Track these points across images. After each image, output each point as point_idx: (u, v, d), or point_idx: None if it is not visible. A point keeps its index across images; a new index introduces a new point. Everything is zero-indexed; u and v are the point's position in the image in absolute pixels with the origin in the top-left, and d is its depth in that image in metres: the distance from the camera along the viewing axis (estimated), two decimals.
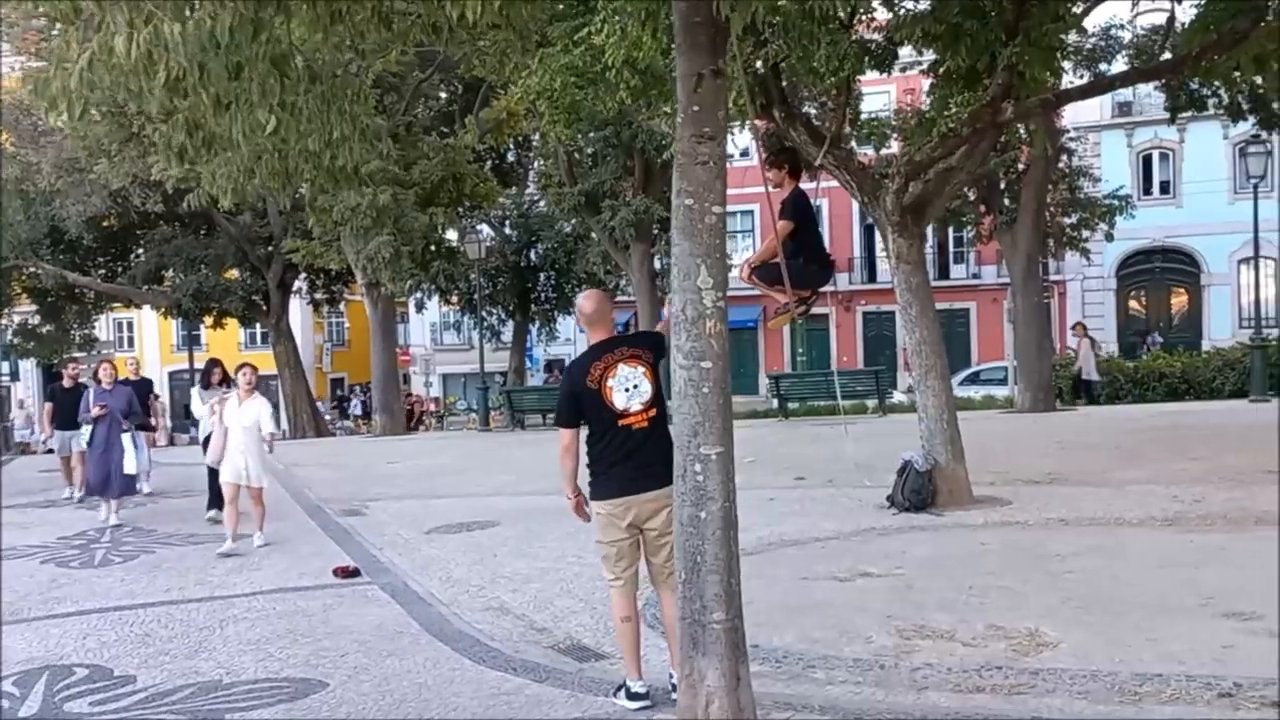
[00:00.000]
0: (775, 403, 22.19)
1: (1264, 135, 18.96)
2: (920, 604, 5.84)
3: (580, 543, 8.22)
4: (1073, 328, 23.46)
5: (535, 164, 26.02)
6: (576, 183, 22.44)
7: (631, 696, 4.50)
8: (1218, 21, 8.63)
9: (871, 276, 35.30)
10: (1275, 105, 16.33)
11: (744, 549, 7.40)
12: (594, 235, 23.78)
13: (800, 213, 6.46)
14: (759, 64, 8.91)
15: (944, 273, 35.66)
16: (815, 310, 7.08)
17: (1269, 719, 3.95)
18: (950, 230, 29.38)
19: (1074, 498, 9.08)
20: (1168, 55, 14.13)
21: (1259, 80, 13.29)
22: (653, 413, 4.45)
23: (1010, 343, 23.00)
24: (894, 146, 17.15)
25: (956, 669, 4.73)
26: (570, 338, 36.78)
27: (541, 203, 26.66)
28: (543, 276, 28.67)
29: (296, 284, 29.26)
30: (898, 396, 22.69)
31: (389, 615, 6.52)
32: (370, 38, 5.59)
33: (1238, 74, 9.89)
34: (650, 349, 4.55)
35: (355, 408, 38.54)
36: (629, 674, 4.56)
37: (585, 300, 4.84)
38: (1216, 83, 13.51)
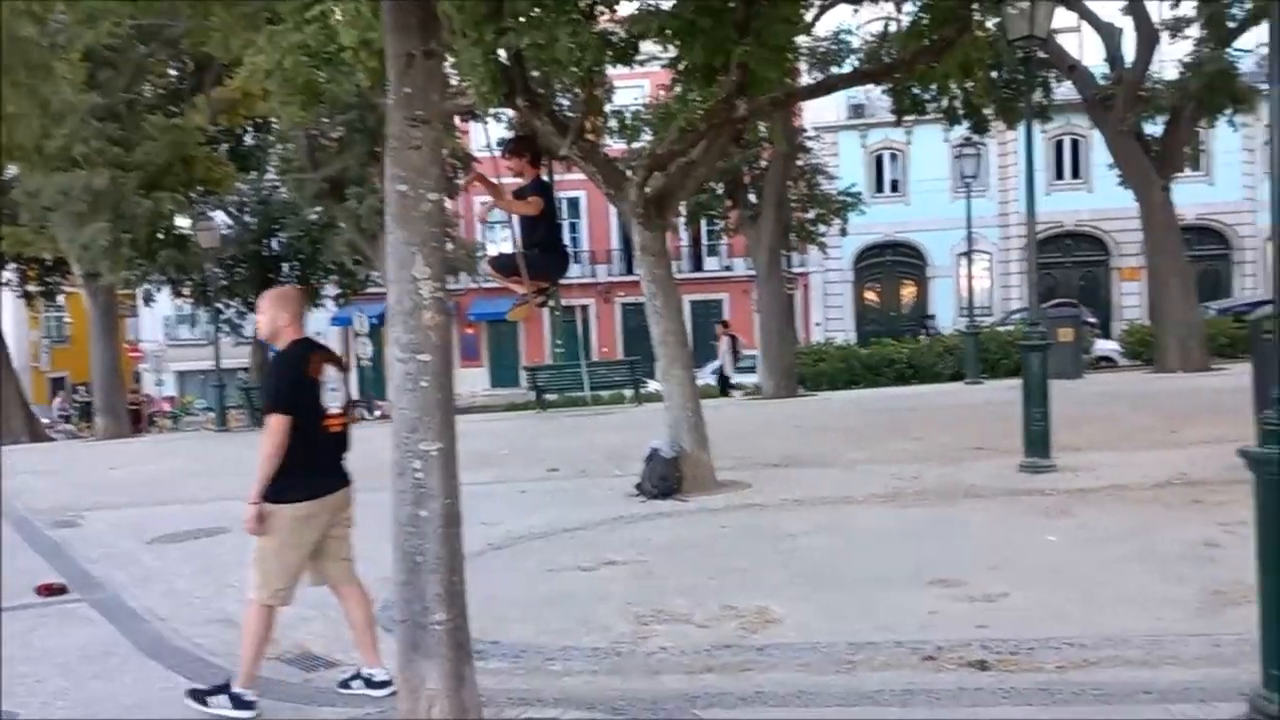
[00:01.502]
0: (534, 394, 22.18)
1: (976, 139, 20.66)
2: (660, 589, 5.94)
3: None
4: (718, 325, 24.81)
5: (276, 148, 24.75)
6: (319, 168, 21.54)
7: (241, 705, 4.37)
8: (928, 30, 9.28)
9: (630, 269, 36.00)
10: (984, 111, 17.85)
11: (491, 543, 7.42)
12: (340, 224, 22.91)
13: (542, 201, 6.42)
14: (501, 52, 8.80)
15: (698, 265, 36.89)
16: (575, 302, 7.08)
17: (967, 677, 4.24)
18: (704, 224, 30.35)
19: (808, 479, 9.54)
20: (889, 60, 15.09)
21: (969, 86, 14.44)
22: (345, 418, 4.48)
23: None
24: (647, 140, 17.50)
25: (689, 651, 4.83)
26: (321, 330, 35.36)
27: (283, 189, 25.36)
28: (286, 267, 27.33)
29: (5, 275, 26.58)
30: (654, 386, 23.23)
31: (99, 635, 5.98)
32: (80, 6, 5.10)
33: (949, 79, 10.65)
34: (339, 356, 4.64)
35: (61, 408, 35.18)
36: (244, 683, 4.39)
37: (286, 297, 4.61)
38: (933, 87, 14.56)
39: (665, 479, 9.06)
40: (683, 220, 25.77)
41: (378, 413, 25.15)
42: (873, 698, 4.10)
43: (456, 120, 11.77)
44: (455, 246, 26.32)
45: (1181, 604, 4.95)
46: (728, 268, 36.61)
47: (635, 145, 16.19)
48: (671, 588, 5.94)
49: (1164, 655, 4.25)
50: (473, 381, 35.48)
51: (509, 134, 10.02)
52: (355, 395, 26.52)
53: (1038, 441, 9.07)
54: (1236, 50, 18.76)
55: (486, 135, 7.81)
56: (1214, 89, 18.43)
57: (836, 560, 6.45)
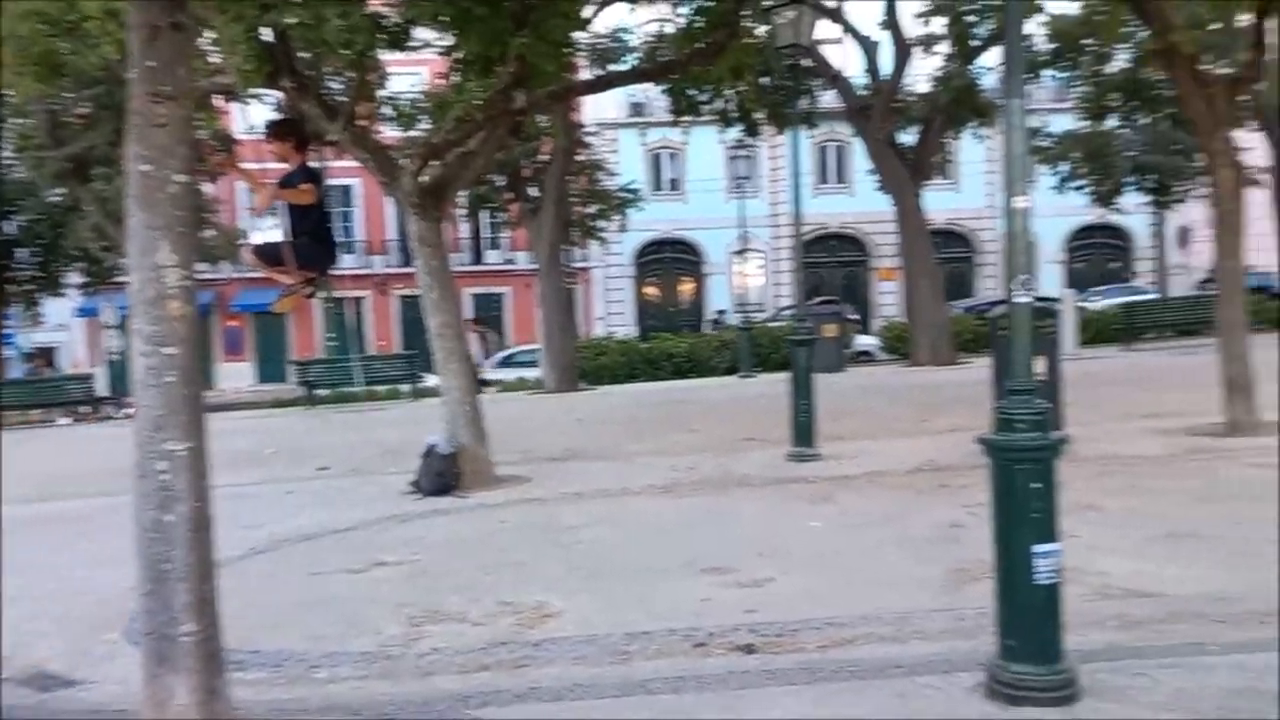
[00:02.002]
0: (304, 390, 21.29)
1: (748, 141, 21.41)
2: (434, 588, 5.80)
3: (69, 555, 7.24)
4: (467, 320, 24.95)
5: (12, 123, 22.51)
6: (62, 146, 19.78)
7: None
8: (701, 33, 9.51)
9: (408, 260, 35.08)
10: (756, 115, 18.52)
11: (254, 548, 7.04)
12: (85, 207, 21.13)
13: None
14: (266, 30, 8.36)
15: (478, 258, 36.45)
16: (350, 294, 6.81)
17: (735, 661, 4.36)
18: (486, 216, 30.01)
19: (588, 472, 9.61)
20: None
21: (741, 90, 14.95)
22: None
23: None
24: (424, 129, 17.10)
25: (464, 650, 4.73)
26: (64, 323, 32.59)
27: (20, 168, 23.11)
28: (28, 252, 24.96)
29: None
30: (432, 381, 22.78)
31: None
32: None
33: (722, 82, 10.99)
34: None
35: None
36: None
37: None
38: (708, 89, 14.98)
39: (442, 475, 8.89)
40: (462, 212, 25.40)
41: (126, 411, 23.41)
42: (645, 687, 4.15)
43: (217, 100, 11.08)
44: (216, 233, 24.84)
45: (929, 582, 5.28)
46: (509, 261, 36.37)
47: (411, 133, 15.79)
48: (446, 586, 5.82)
49: (912, 631, 4.52)
50: (237, 377, 33.68)
51: (276, 116, 9.52)
52: (104, 393, 24.60)
53: (804, 432, 9.50)
54: (980, 67, 20.31)
55: (248, 117, 7.40)
56: (960, 103, 19.90)
57: (615, 552, 6.51)
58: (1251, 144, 18.92)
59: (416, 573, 6.26)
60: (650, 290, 38.39)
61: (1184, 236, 34.05)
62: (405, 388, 21.06)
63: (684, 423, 13.06)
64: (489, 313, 35.69)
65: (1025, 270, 3.75)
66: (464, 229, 33.78)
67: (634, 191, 25.53)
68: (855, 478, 8.43)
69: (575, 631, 4.89)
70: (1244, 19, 10.00)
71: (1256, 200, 21.04)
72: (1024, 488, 3.51)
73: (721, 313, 35.36)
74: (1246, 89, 10.59)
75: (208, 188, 20.71)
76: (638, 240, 35.78)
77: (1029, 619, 3.52)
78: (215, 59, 9.03)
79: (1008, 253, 3.81)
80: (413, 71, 22.30)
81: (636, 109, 35.52)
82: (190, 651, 3.27)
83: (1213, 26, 11.42)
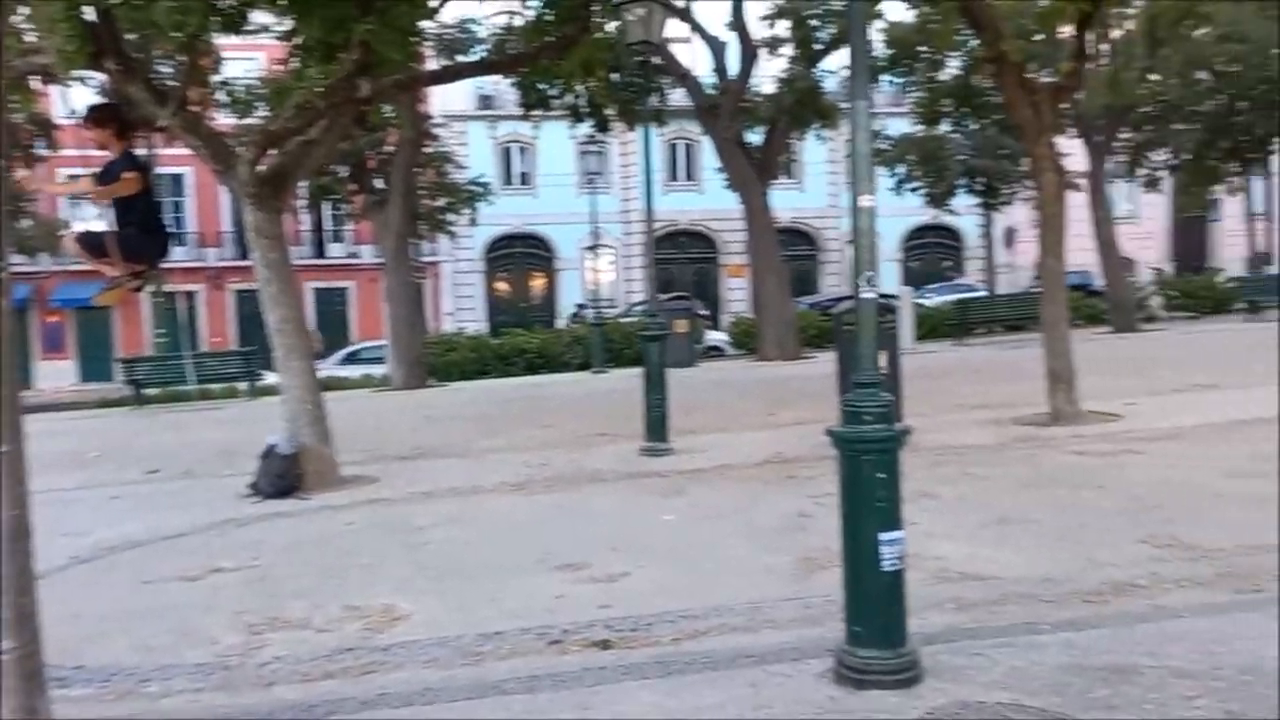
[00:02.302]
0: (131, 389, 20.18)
1: (599, 137, 21.46)
2: (276, 594, 5.57)
3: None
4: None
5: None
6: None
7: None
8: (551, 26, 9.45)
9: (244, 253, 33.72)
10: (606, 111, 18.56)
11: (77, 556, 6.61)
12: None
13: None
14: (89, 9, 7.85)
15: (320, 251, 35.35)
16: (182, 288, 6.46)
17: (590, 658, 4.34)
18: (329, 208, 29.11)
19: (438, 470, 9.42)
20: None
21: (591, 85, 14.94)
22: None
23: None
24: (261, 116, 16.44)
25: (308, 657, 4.55)
26: None
27: None
28: None
29: None
30: (272, 378, 21.96)
31: None
32: None
33: (572, 77, 10.96)
34: None
35: None
36: None
37: None
38: (558, 84, 14.91)
39: (283, 476, 8.55)
40: (303, 203, 24.58)
41: None
42: (500, 687, 4.08)
43: (35, 81, 10.32)
44: (33, 223, 23.29)
45: (779, 572, 5.39)
46: (353, 255, 35.42)
47: (247, 120, 15.16)
48: (289, 592, 5.60)
49: (763, 620, 4.60)
50: (58, 376, 31.68)
51: (96, 101, 8.95)
52: None
53: (657, 426, 9.56)
54: (823, 70, 20.92)
55: (69, 100, 6.94)
56: (804, 104, 20.45)
57: (466, 551, 6.39)
58: (1071, 150, 20.15)
59: (256, 578, 5.99)
60: (501, 285, 38.07)
61: (1010, 237, 35.97)
62: (243, 386, 20.24)
63: (537, 419, 12.98)
64: (333, 308, 34.71)
65: (871, 267, 3.85)
66: (305, 221, 32.70)
67: (484, 185, 25.25)
68: (707, 471, 8.54)
69: (425, 634, 4.77)
70: (1066, 31, 10.59)
71: (1075, 203, 22.46)
72: (870, 478, 3.60)
73: (582, 306, 35.41)
74: (1068, 97, 11.23)
75: (23, 173, 19.40)
76: (488, 235, 35.43)
77: (875, 605, 3.62)
78: (32, 37, 8.43)
79: (854, 250, 3.90)
80: (249, 56, 21.46)
81: (485, 101, 35.13)
82: (9, 670, 3.02)
83: (1037, 37, 12.06)
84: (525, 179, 37.17)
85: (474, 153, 33.08)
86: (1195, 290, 27.55)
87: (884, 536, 3.58)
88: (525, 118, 19.22)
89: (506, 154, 36.92)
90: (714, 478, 8.26)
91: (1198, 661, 3.67)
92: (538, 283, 38.41)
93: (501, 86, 29.04)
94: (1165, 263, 36.94)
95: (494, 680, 4.16)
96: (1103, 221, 22.14)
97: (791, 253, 31.58)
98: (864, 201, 3.87)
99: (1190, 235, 39.50)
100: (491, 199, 26.42)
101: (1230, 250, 36.93)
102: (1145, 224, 37.81)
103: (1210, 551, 5.19)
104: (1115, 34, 15.67)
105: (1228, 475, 6.92)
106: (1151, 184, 28.78)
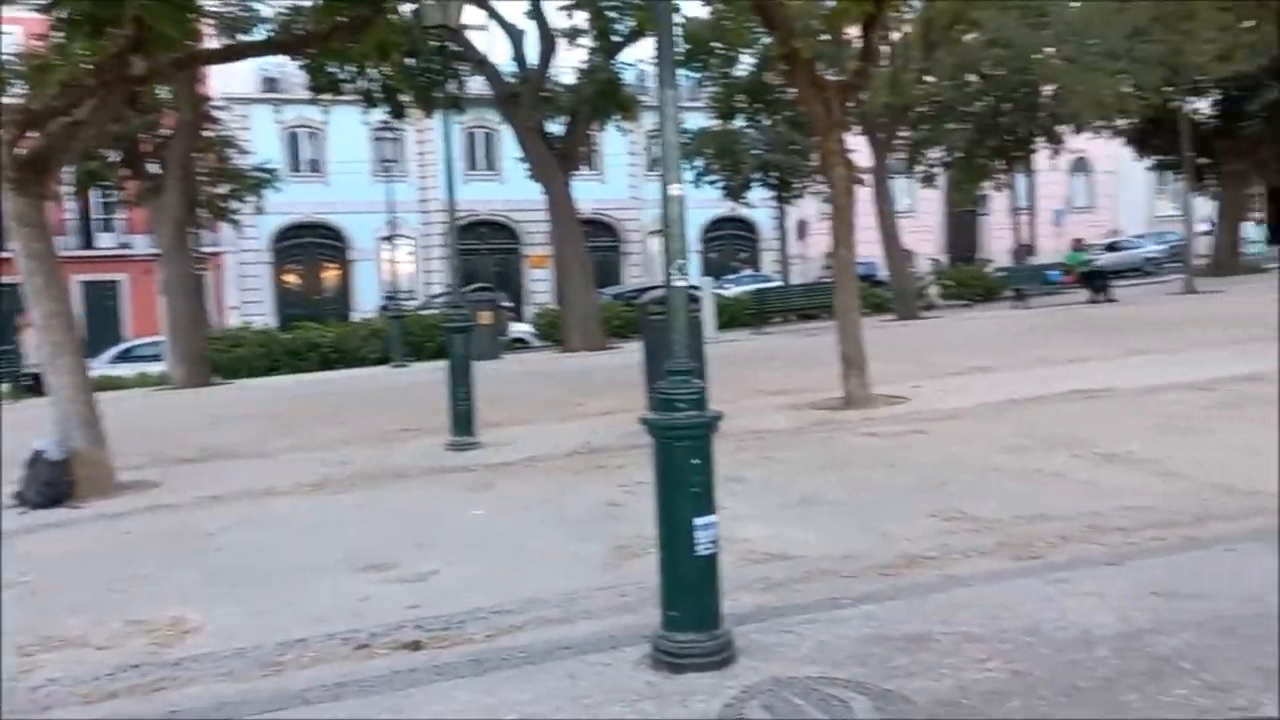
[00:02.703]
0: None
1: (394, 123, 20.87)
2: (49, 611, 5.11)
3: None
4: (18, 316, 23.13)
5: None
6: None
7: None
8: (343, 6, 9.08)
9: (3, 242, 30.93)
10: (402, 96, 18.06)
11: None
12: None
13: None
14: None
15: (88, 241, 32.84)
16: None
17: (400, 660, 4.19)
18: (98, 196, 27.04)
19: (227, 472, 8.92)
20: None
21: (386, 70, 14.50)
22: None
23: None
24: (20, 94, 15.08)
25: (87, 678, 4.19)
26: None
27: None
28: None
29: None
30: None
31: None
32: None
33: (366, 60, 10.58)
34: None
35: None
36: None
37: None
38: (351, 67, 14.39)
39: (53, 485, 7.88)
40: (69, 189, 22.74)
41: None
42: (303, 697, 3.87)
43: None
44: None
45: (592, 562, 5.38)
46: (125, 245, 33.07)
47: (3, 99, 13.86)
48: (63, 608, 5.15)
49: (578, 611, 4.57)
50: None
51: None
52: None
53: (463, 420, 9.38)
54: (623, 63, 21.10)
55: None
56: (604, 95, 20.57)
57: (261, 556, 6.06)
58: (856, 147, 21.15)
59: (26, 595, 5.48)
60: (291, 277, 36.48)
61: (802, 229, 37.49)
62: (5, 387, 18.57)
63: (334, 416, 12.50)
64: (103, 303, 32.33)
65: (682, 255, 3.88)
66: (71, 208, 30.29)
67: (270, 171, 24.14)
68: (515, 463, 8.45)
69: (219, 646, 4.48)
70: (852, 31, 11.08)
71: (861, 197, 23.62)
72: (684, 464, 3.63)
73: (391, 298, 34.42)
74: (856, 95, 11.76)
75: None
76: (276, 224, 33.91)
77: (691, 589, 3.65)
78: None
79: (665, 239, 3.91)
80: (4, 30, 19.66)
81: (270, 84, 33.55)
82: None
83: (824, 37, 12.56)
84: (315, 166, 35.76)
85: (258, 137, 31.54)
86: (968, 280, 29.54)
87: (698, 521, 3.61)
88: (314, 102, 18.46)
89: (294, 139, 35.41)
90: (523, 470, 8.17)
91: (985, 626, 3.90)
92: (331, 274, 37.05)
93: (288, 68, 27.76)
94: (941, 254, 39.41)
95: (296, 690, 3.95)
96: (886, 215, 23.37)
97: (594, 244, 31.75)
98: (674, 190, 3.89)
99: (962, 228, 42.34)
100: (279, 186, 25.27)
101: (998, 242, 39.82)
102: (923, 218, 40.23)
103: (991, 523, 5.53)
104: (895, 36, 16.54)
105: (1003, 451, 7.42)
106: (928, 180, 30.69)
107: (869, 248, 27.11)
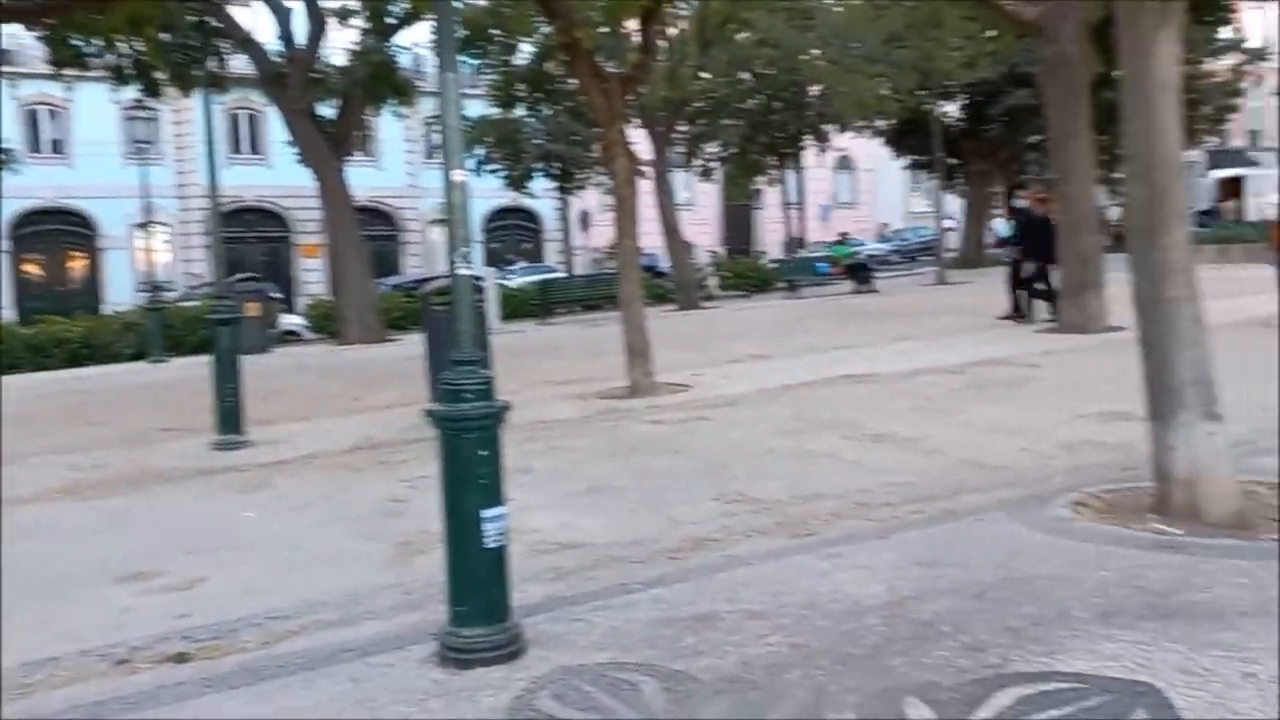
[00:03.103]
0: None
1: (148, 102, 19.49)
2: None
3: None
4: None
5: None
6: None
7: None
8: None
9: None
10: (157, 74, 16.89)
11: None
12: None
13: None
14: None
15: None
16: None
17: (166, 674, 3.91)
18: None
19: None
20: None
21: (139, 45, 13.51)
22: None
23: None
24: None
25: None
26: None
27: None
28: None
29: None
30: None
31: None
32: None
33: (115, 34, 9.81)
34: None
35: None
36: None
37: None
38: (98, 41, 13.32)
39: None
40: None
41: None
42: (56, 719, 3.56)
43: None
44: None
45: (375, 559, 5.21)
46: None
47: None
48: None
49: (361, 611, 4.41)
50: None
51: None
52: None
53: (230, 418, 8.88)
54: (399, 46, 20.54)
55: None
56: (378, 79, 19.94)
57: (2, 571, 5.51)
58: (636, 140, 21.49)
59: None
60: (32, 267, 33.45)
61: (585, 220, 37.77)
62: None
63: (85, 416, 11.57)
64: None
65: (466, 243, 3.80)
66: None
67: (5, 152, 21.99)
68: (291, 461, 8.08)
69: None
70: (631, 24, 11.22)
71: (642, 189, 24.05)
72: (471, 455, 3.56)
73: (149, 288, 32.07)
74: (636, 87, 11.93)
75: None
76: (14, 209, 30.98)
77: (479, 583, 3.59)
78: None
79: (449, 226, 3.81)
80: None
81: (4, 56, 30.55)
82: None
83: (604, 29, 12.67)
84: (58, 147, 32.95)
85: None
86: (744, 271, 30.65)
87: (486, 514, 3.56)
88: (56, 77, 16.97)
89: (34, 117, 32.48)
90: (300, 468, 7.83)
91: (767, 602, 4.04)
92: (78, 264, 34.24)
93: (25, 40, 25.38)
94: (719, 246, 40.70)
95: (48, 713, 3.62)
96: (666, 207, 23.89)
97: (371, 232, 30.79)
98: (457, 176, 3.80)
99: (738, 221, 43.91)
100: (16, 168, 23.09)
101: (771, 235, 41.55)
102: (701, 211, 41.43)
103: (770, 504, 5.76)
104: (672, 32, 16.91)
105: (780, 434, 7.74)
106: (706, 174, 31.61)
107: (651, 239, 27.67)
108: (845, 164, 45.32)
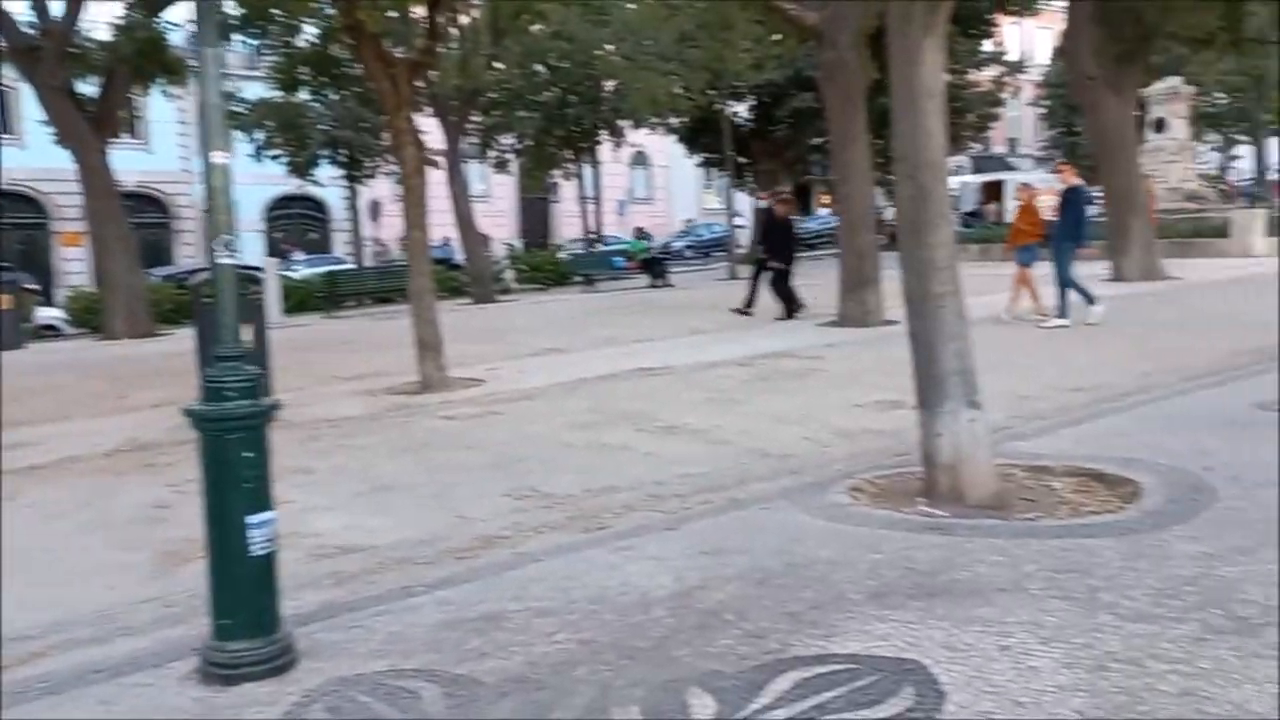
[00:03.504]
0: None
1: None
2: None
3: None
4: None
5: None
6: None
7: None
8: None
9: None
10: None
11: None
12: None
13: None
14: None
15: None
16: None
17: None
18: None
19: None
20: None
21: None
22: None
23: None
24: None
25: None
26: None
27: None
28: None
29: None
30: None
31: None
32: None
33: None
34: None
35: None
36: None
37: None
38: None
39: None
40: None
41: None
42: None
43: None
44: None
45: (134, 571, 4.83)
46: None
47: None
48: None
49: (116, 628, 4.06)
50: None
51: None
52: None
53: None
54: (169, 22, 19.24)
55: None
56: (145, 55, 18.61)
57: None
58: (429, 129, 21.02)
59: None
60: None
61: (375, 210, 36.65)
62: None
63: None
64: None
65: (228, 230, 3.55)
66: None
67: None
68: (45, 466, 7.41)
69: None
70: (419, 9, 10.91)
71: (435, 180, 23.51)
72: (236, 458, 3.33)
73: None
74: (424, 73, 11.61)
75: None
76: None
77: (245, 593, 3.37)
78: None
79: (210, 213, 3.55)
80: None
81: None
82: None
83: (392, 13, 12.25)
84: None
85: None
86: (541, 264, 30.55)
87: (253, 519, 3.33)
88: None
89: None
90: (55, 474, 7.19)
91: (555, 599, 3.99)
92: None
93: None
94: (516, 239, 40.44)
95: None
96: (460, 198, 23.48)
97: (140, 219, 28.84)
98: (217, 158, 3.55)
99: (535, 214, 43.75)
100: None
101: (568, 229, 41.61)
102: (498, 203, 41.02)
103: (563, 498, 5.71)
104: (465, 20, 16.60)
105: (575, 428, 7.71)
106: (501, 165, 31.30)
107: (445, 231, 27.18)
108: (641, 160, 45.97)
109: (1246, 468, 5.32)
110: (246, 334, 8.24)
